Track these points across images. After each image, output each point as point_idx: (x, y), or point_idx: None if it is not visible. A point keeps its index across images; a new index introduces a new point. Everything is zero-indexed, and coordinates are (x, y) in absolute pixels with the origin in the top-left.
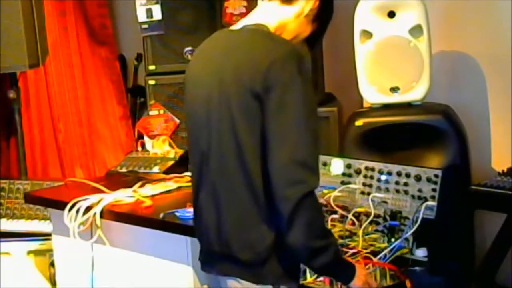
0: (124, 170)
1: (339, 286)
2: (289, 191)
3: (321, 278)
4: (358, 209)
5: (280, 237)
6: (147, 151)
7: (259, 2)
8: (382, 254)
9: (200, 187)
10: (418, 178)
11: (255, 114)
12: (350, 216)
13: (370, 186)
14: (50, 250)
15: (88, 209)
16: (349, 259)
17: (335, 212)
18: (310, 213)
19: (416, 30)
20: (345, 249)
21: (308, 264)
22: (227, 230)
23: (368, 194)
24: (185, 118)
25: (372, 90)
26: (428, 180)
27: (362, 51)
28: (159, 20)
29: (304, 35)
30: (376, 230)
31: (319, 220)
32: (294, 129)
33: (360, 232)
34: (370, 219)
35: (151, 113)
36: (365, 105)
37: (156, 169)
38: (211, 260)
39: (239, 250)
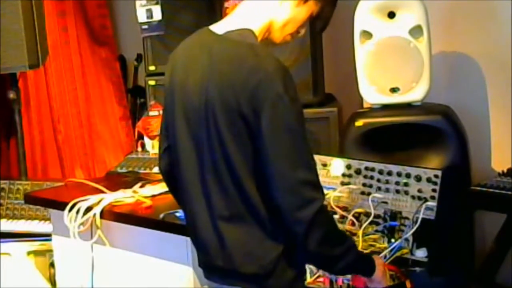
0: (124, 170)
1: (339, 286)
2: (301, 214)
3: (321, 279)
4: (358, 210)
5: (289, 249)
6: (147, 151)
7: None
8: (382, 255)
9: (194, 199)
10: (418, 179)
11: (243, 134)
12: (350, 216)
13: (370, 186)
14: (50, 251)
15: (88, 209)
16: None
17: (335, 213)
18: (324, 227)
19: (416, 31)
20: None
21: (331, 270)
22: (229, 247)
23: (368, 194)
24: (169, 120)
25: (372, 91)
26: (428, 180)
27: (362, 51)
28: (159, 21)
29: (300, 21)
30: (376, 231)
31: (333, 230)
32: (292, 150)
33: (360, 233)
34: (370, 219)
35: (151, 113)
36: (365, 105)
37: (156, 169)
38: (214, 272)
39: (243, 265)
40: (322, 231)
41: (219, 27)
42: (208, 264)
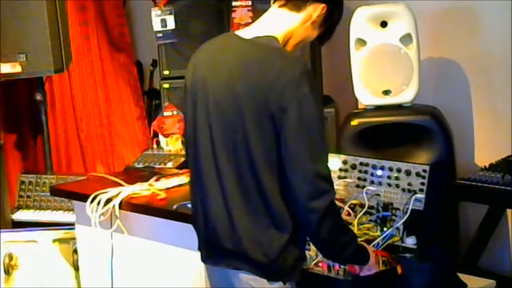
0: (140, 165)
1: (336, 270)
2: (316, 203)
3: (320, 264)
4: (354, 201)
5: (291, 239)
6: (161, 148)
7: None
8: (375, 242)
9: (208, 186)
10: (408, 173)
11: (268, 131)
12: (346, 207)
13: (365, 180)
14: (73, 239)
15: (108, 201)
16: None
17: None
18: (334, 217)
19: (406, 39)
20: None
21: (337, 257)
22: (240, 230)
23: (363, 187)
24: (188, 111)
25: (366, 93)
26: (417, 174)
27: (357, 57)
28: (172, 29)
29: (311, 39)
30: (370, 220)
31: (341, 221)
32: (315, 146)
33: (355, 222)
34: (364, 210)
35: (165, 113)
36: (360, 106)
37: (170, 164)
38: (220, 255)
39: (250, 249)
40: (332, 221)
41: (245, 33)
42: (215, 247)
